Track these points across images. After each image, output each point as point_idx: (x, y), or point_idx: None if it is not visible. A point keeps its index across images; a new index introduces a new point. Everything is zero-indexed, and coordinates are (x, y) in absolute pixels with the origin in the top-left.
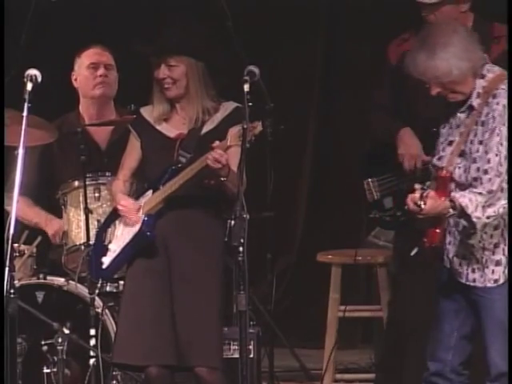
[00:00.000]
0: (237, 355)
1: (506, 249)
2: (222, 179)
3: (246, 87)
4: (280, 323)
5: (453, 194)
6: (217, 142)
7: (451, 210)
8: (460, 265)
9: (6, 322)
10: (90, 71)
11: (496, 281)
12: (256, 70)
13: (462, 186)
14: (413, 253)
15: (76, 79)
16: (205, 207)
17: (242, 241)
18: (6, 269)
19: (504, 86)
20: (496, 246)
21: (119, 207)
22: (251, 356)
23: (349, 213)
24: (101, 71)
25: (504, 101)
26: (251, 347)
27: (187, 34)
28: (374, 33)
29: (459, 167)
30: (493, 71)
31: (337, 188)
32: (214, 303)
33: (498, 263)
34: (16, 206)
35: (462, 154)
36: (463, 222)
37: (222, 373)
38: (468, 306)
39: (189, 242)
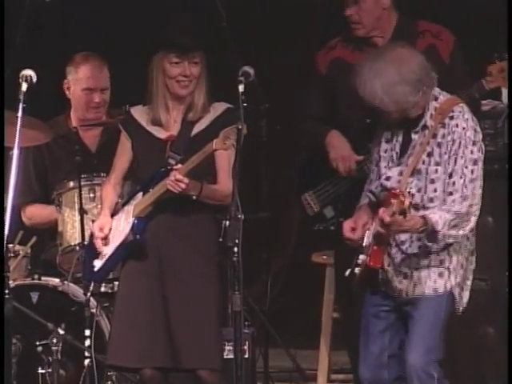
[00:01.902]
0: (231, 356)
1: (451, 267)
2: (193, 198)
3: (241, 88)
4: (275, 323)
5: (423, 211)
6: (178, 165)
7: (421, 228)
8: (400, 283)
9: (6, 322)
10: (85, 95)
11: (435, 290)
12: (251, 70)
13: (417, 206)
14: (347, 274)
15: (69, 90)
16: (198, 208)
17: (236, 241)
18: None
19: (460, 109)
20: (441, 262)
21: (93, 230)
22: (246, 356)
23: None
24: (97, 98)
25: (463, 123)
26: (246, 347)
27: (201, 30)
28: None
29: (411, 187)
30: (444, 94)
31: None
32: (212, 304)
33: (441, 275)
34: (26, 214)
35: (414, 174)
36: (426, 241)
37: (221, 374)
38: (396, 323)
39: (183, 242)
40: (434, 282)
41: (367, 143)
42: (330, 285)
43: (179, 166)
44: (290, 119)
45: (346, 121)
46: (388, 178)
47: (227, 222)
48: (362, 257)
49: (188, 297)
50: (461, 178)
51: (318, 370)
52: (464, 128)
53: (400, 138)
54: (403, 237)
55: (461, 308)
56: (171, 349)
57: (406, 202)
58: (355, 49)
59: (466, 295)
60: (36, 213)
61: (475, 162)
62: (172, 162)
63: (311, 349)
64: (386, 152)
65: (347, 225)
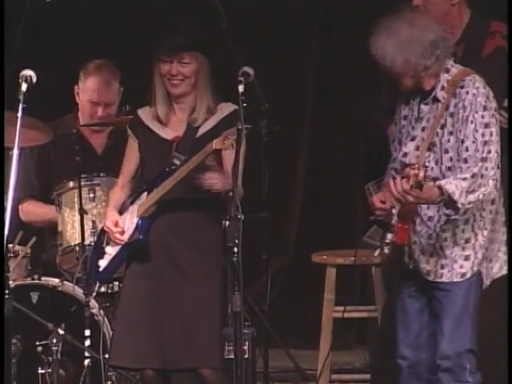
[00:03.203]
0: (232, 356)
1: (477, 244)
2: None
3: (241, 88)
4: (275, 324)
5: (438, 181)
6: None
7: (439, 198)
8: (427, 262)
9: (6, 322)
10: (90, 107)
11: (463, 275)
12: (250, 70)
13: (437, 178)
14: (376, 253)
15: (78, 96)
16: (201, 209)
17: (236, 241)
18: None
19: (471, 78)
20: (467, 241)
21: (105, 227)
22: (246, 356)
23: (343, 213)
24: (100, 112)
25: (473, 90)
26: (246, 348)
27: (199, 31)
28: (370, 33)
29: (429, 161)
30: (457, 67)
31: (331, 189)
32: (215, 304)
33: (467, 258)
34: (23, 209)
35: (430, 147)
36: (445, 210)
37: (223, 372)
38: (429, 304)
39: (186, 242)
40: (460, 266)
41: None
42: (330, 285)
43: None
44: (292, 119)
45: None
46: (405, 155)
47: (227, 222)
48: (389, 235)
49: (191, 297)
50: (473, 142)
51: (318, 370)
52: (474, 94)
53: (415, 113)
54: (431, 212)
55: (489, 281)
56: (173, 349)
57: (421, 175)
58: None
59: (497, 266)
60: (31, 210)
61: (487, 126)
62: (177, 162)
63: (311, 349)
64: (404, 128)
65: (377, 197)
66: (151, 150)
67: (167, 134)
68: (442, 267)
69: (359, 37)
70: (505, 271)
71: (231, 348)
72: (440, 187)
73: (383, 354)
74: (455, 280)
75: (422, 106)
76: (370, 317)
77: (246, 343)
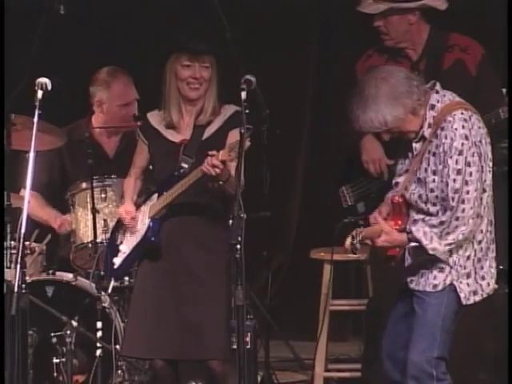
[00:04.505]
0: (235, 346)
1: (451, 259)
2: (221, 183)
3: (244, 95)
4: (275, 316)
5: (410, 227)
6: (214, 151)
7: (410, 243)
8: (409, 272)
9: (6, 319)
10: (120, 110)
11: (435, 286)
12: (253, 78)
13: (420, 211)
14: (347, 244)
15: (101, 106)
16: (207, 211)
17: (239, 239)
18: (18, 265)
19: (450, 119)
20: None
21: (120, 215)
22: (248, 347)
23: (340, 213)
24: (132, 111)
25: (451, 133)
26: (248, 339)
27: (212, 36)
28: (369, 41)
29: (414, 193)
30: (443, 101)
31: (329, 189)
32: (222, 299)
33: (441, 270)
34: (28, 205)
35: (417, 182)
36: (423, 256)
37: (230, 364)
38: (410, 310)
39: (194, 242)
40: (434, 277)
41: (396, 150)
42: (327, 280)
43: (214, 152)
44: (292, 124)
45: None
46: (396, 184)
47: (231, 221)
48: (364, 232)
49: (199, 292)
50: (447, 186)
51: (316, 360)
52: (452, 138)
53: (406, 149)
54: (414, 227)
55: (477, 298)
56: (182, 341)
57: (377, 227)
58: (390, 58)
59: (487, 283)
60: (34, 205)
61: (459, 172)
62: (184, 165)
63: (309, 340)
64: (401, 158)
65: (373, 214)
66: (160, 152)
67: (175, 137)
68: (421, 276)
69: (357, 45)
70: (497, 286)
71: (234, 339)
72: (410, 232)
73: (371, 345)
74: (427, 290)
75: (414, 144)
76: (364, 310)
77: (249, 334)
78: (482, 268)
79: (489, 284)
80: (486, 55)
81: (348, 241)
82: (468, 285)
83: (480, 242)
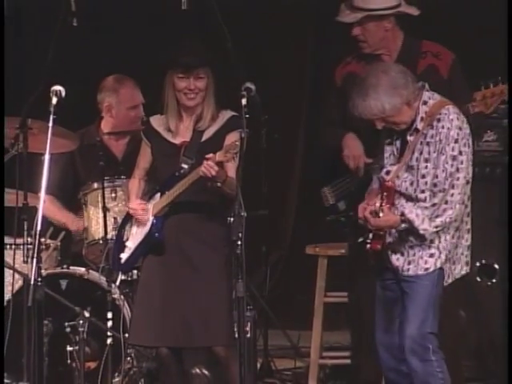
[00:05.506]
0: (236, 335)
1: (441, 246)
2: (218, 185)
3: (244, 101)
4: (273, 307)
5: (402, 209)
6: (210, 154)
7: (402, 225)
8: (397, 260)
9: (38, 306)
10: (130, 112)
11: (427, 269)
12: (252, 86)
13: (409, 198)
14: (359, 240)
15: (110, 111)
16: (208, 209)
17: (239, 235)
18: (34, 260)
19: (446, 112)
20: (432, 242)
21: (129, 210)
22: (248, 336)
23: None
24: (141, 113)
25: (448, 124)
26: (248, 328)
27: (207, 48)
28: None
29: (405, 181)
30: (434, 98)
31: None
32: (222, 289)
33: (431, 255)
34: (44, 205)
35: (408, 170)
36: (412, 233)
37: (232, 348)
38: (401, 296)
39: (196, 238)
40: (425, 262)
41: (375, 149)
42: (322, 273)
43: (211, 155)
44: (288, 128)
45: (355, 129)
46: (388, 172)
47: (231, 219)
48: (371, 235)
49: (199, 283)
50: (443, 171)
51: (311, 348)
52: (449, 128)
53: (398, 142)
54: (406, 210)
55: (451, 280)
56: (187, 329)
57: (377, 205)
58: (367, 64)
59: (458, 267)
60: (52, 208)
61: (455, 158)
62: (185, 165)
63: (305, 329)
64: (387, 153)
65: (361, 207)
66: (162, 153)
67: (175, 139)
68: (409, 263)
69: (352, 49)
70: (464, 271)
71: (235, 329)
72: (403, 215)
73: (358, 333)
74: (419, 273)
75: (408, 137)
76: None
77: (249, 324)
78: (456, 254)
79: (459, 269)
80: (456, 60)
81: (377, 206)
82: (451, 266)
83: (457, 229)
